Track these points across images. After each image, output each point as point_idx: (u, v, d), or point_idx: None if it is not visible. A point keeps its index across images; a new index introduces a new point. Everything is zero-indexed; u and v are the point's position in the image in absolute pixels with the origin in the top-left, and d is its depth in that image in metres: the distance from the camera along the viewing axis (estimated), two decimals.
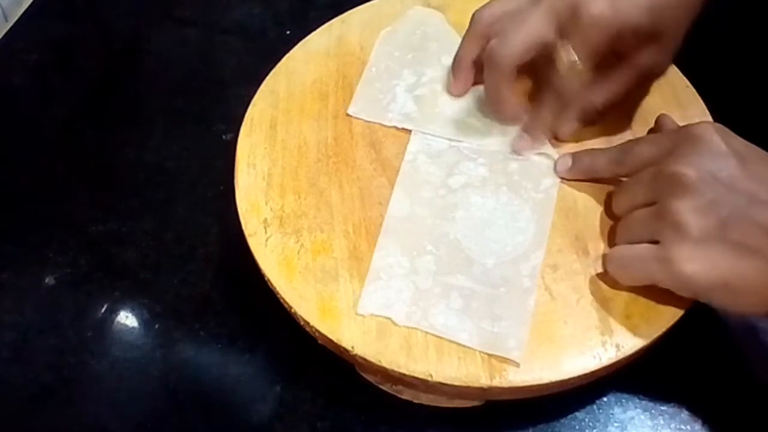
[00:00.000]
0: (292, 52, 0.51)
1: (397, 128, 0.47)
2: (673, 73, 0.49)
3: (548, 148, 0.45)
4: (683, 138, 0.38)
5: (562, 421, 0.42)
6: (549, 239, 0.41)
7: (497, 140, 0.45)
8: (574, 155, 0.44)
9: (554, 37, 0.40)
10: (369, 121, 0.47)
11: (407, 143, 0.46)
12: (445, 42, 0.50)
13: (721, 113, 0.47)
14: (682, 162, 0.37)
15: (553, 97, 0.44)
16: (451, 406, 0.42)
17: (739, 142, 0.38)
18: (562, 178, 0.44)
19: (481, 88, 0.47)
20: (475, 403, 0.41)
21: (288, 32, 0.62)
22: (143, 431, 0.44)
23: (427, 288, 0.40)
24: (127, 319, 0.48)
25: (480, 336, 0.38)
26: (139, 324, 0.48)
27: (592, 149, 0.44)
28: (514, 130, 0.46)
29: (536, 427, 0.42)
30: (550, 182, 0.44)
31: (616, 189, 0.42)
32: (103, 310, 0.48)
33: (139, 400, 0.45)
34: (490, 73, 0.42)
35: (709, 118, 0.46)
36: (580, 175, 0.44)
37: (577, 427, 0.42)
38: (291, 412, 0.43)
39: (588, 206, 0.43)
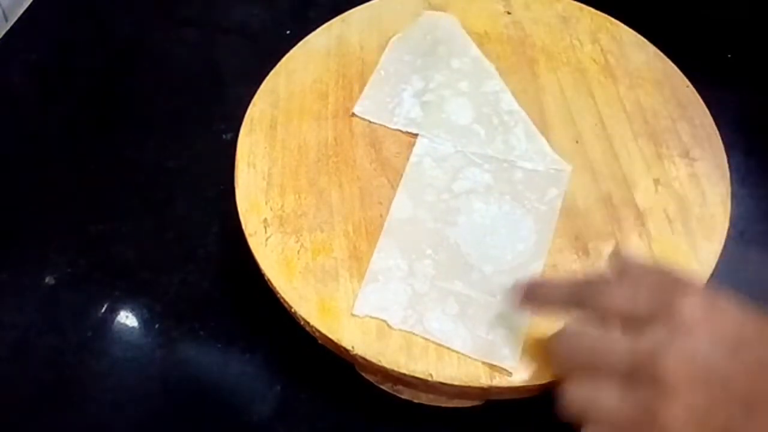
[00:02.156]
0: (292, 52, 0.51)
1: (401, 131, 0.47)
2: (673, 72, 0.49)
3: (559, 162, 0.45)
4: (665, 315, 0.31)
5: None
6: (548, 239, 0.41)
7: (500, 148, 0.45)
8: (529, 286, 0.37)
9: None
10: (374, 123, 0.47)
11: (408, 143, 0.46)
12: (455, 45, 0.50)
13: (720, 113, 0.47)
14: (663, 355, 0.30)
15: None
16: (451, 406, 0.42)
17: (734, 319, 0.31)
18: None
19: (489, 94, 0.47)
20: (475, 403, 0.41)
21: (288, 32, 0.62)
22: (143, 431, 0.44)
23: (424, 292, 0.40)
24: (127, 319, 0.48)
25: (474, 343, 0.38)
26: (139, 324, 0.48)
27: (549, 281, 0.39)
28: (517, 139, 0.46)
29: (536, 427, 0.42)
30: (555, 193, 0.43)
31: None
32: (103, 310, 0.48)
33: (139, 400, 0.45)
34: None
35: (709, 119, 0.46)
36: (532, 307, 0.37)
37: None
38: (291, 412, 0.43)
39: (588, 206, 0.43)
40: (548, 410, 0.42)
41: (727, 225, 0.42)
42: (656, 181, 0.44)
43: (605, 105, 0.47)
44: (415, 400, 0.42)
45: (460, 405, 0.42)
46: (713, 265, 0.41)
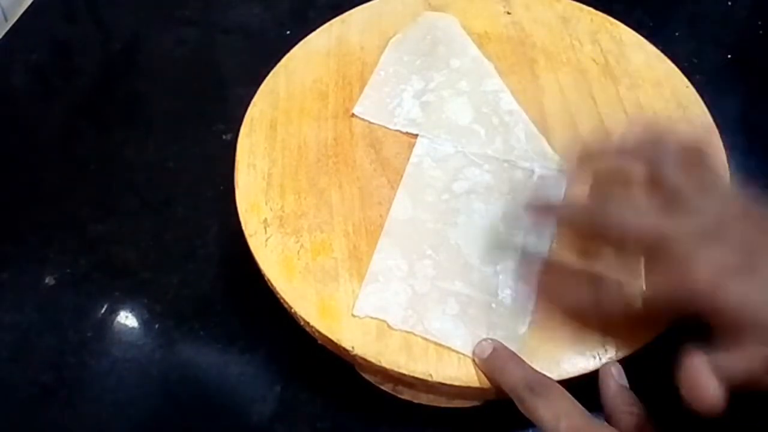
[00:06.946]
0: (292, 52, 0.51)
1: (401, 132, 0.47)
2: (673, 73, 0.49)
3: (559, 162, 0.44)
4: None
5: None
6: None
7: (500, 148, 0.45)
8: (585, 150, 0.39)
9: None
10: (374, 123, 0.47)
11: (408, 143, 0.46)
12: (454, 45, 0.50)
13: (720, 113, 0.47)
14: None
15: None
16: (451, 406, 0.42)
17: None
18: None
19: (488, 93, 0.47)
20: (475, 403, 0.41)
21: (288, 32, 0.62)
22: (143, 431, 0.44)
23: (424, 292, 0.40)
24: (127, 319, 0.48)
25: (474, 343, 0.38)
26: (139, 324, 0.48)
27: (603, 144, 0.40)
28: (517, 139, 0.45)
29: (536, 428, 0.42)
30: (554, 194, 0.43)
31: None
32: (103, 310, 0.48)
33: (139, 400, 0.45)
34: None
35: (709, 119, 0.46)
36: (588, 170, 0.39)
37: None
38: (291, 412, 0.43)
39: None
40: None
41: None
42: None
43: (605, 105, 0.47)
44: (415, 401, 0.42)
45: (460, 405, 0.42)
46: None
